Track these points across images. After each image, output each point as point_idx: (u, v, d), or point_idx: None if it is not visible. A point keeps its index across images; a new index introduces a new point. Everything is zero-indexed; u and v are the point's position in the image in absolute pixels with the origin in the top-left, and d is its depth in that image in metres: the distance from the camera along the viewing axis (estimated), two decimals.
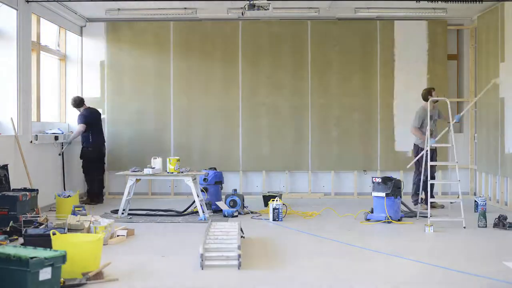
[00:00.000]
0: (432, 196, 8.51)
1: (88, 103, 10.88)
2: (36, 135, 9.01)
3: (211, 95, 11.05)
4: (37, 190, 7.81)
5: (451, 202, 8.88)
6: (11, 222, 6.85)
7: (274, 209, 8.29)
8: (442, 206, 9.44)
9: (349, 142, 11.01)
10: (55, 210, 8.77)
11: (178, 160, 8.56)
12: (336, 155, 11.00)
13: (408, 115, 10.95)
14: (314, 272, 5.32)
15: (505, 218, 7.58)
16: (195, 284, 5.00)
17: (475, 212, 8.86)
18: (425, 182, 8.54)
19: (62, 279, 4.60)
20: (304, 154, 11.01)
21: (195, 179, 8.59)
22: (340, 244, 6.68)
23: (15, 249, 4.47)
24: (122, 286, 4.88)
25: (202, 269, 5.38)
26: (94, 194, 10.23)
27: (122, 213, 8.46)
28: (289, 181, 11.10)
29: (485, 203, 8.17)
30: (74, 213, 7.09)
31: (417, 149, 9.33)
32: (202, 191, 9.28)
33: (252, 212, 8.97)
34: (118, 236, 6.85)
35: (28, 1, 8.78)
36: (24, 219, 7.01)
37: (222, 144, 11.05)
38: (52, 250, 4.55)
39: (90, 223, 6.62)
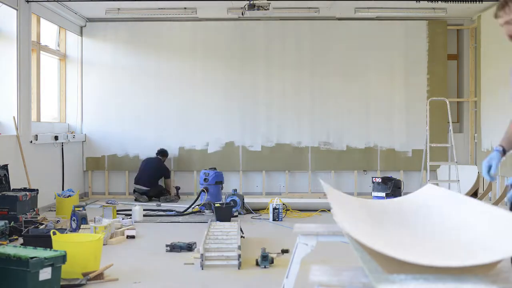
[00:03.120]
0: None
1: (89, 104, 10.96)
2: (36, 135, 9.02)
3: (211, 96, 11.04)
4: (37, 190, 7.82)
5: None
6: (12, 222, 6.85)
7: (274, 209, 8.30)
8: None
9: (349, 142, 11.01)
10: (55, 210, 8.77)
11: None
12: (336, 155, 11.00)
13: (409, 115, 10.99)
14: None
15: None
16: (195, 284, 5.00)
17: None
18: None
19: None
20: (304, 154, 11.01)
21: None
22: (340, 243, 6.66)
23: (15, 249, 4.47)
24: (122, 286, 4.88)
25: (202, 269, 5.39)
26: None
27: None
28: (289, 181, 11.10)
29: None
30: (74, 213, 7.09)
31: None
32: (202, 191, 9.29)
33: (252, 212, 8.98)
34: (127, 236, 6.88)
35: (28, 1, 8.78)
36: (24, 219, 7.01)
37: (222, 144, 11.04)
38: (52, 250, 4.55)
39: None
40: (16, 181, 8.12)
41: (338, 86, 11.04)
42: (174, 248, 6.16)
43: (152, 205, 9.80)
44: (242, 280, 5.09)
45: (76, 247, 5.00)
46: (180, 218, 8.54)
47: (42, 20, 9.74)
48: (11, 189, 7.77)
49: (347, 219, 2.85)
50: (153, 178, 10.49)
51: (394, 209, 3.38)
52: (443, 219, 2.99)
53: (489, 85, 10.06)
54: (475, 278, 2.18)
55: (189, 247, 6.15)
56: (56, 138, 9.63)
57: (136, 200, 10.30)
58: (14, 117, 8.40)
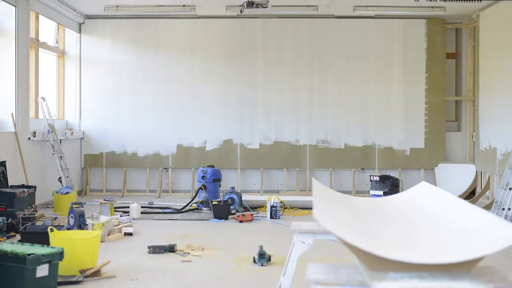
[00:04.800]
0: None
1: (87, 101, 10.96)
2: (34, 132, 9.01)
3: (210, 93, 11.04)
4: (35, 187, 7.81)
5: None
6: (10, 219, 6.84)
7: (271, 207, 8.30)
8: None
9: (347, 141, 11.00)
10: (53, 207, 8.77)
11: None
12: (334, 153, 11.00)
13: (407, 114, 10.99)
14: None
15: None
16: (193, 282, 5.01)
17: None
18: None
19: None
20: (302, 152, 11.01)
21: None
22: (334, 243, 6.67)
23: (12, 245, 4.47)
24: (119, 283, 4.88)
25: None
26: None
27: None
28: (287, 179, 11.10)
29: None
30: (72, 210, 7.09)
31: None
32: (200, 188, 9.28)
33: (250, 209, 8.98)
34: (125, 233, 6.88)
35: None
36: (21, 215, 7.01)
37: (220, 141, 11.04)
38: (50, 247, 4.55)
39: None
40: (14, 178, 8.12)
41: (336, 84, 11.03)
42: (156, 249, 6.01)
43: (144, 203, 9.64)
44: (239, 278, 5.10)
45: (74, 244, 5.00)
46: (178, 216, 8.53)
47: (40, 17, 9.73)
48: (9, 185, 7.76)
49: (330, 216, 2.86)
50: None
51: (384, 207, 3.39)
52: (431, 217, 3.01)
53: (487, 84, 10.07)
54: (471, 277, 2.18)
55: (171, 249, 6.04)
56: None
57: None
58: (12, 113, 8.39)
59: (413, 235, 2.74)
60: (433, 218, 2.99)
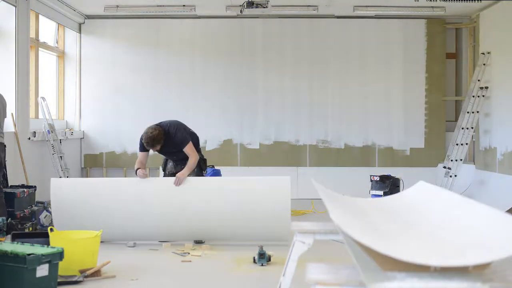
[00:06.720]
0: None
1: (87, 101, 10.97)
2: (34, 132, 9.01)
3: (209, 92, 11.04)
4: (35, 187, 7.81)
5: None
6: (10, 218, 6.84)
7: None
8: None
9: (347, 140, 11.00)
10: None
11: None
12: (334, 153, 10.99)
13: (407, 114, 10.98)
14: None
15: None
16: (192, 281, 5.01)
17: None
18: None
19: None
20: (302, 152, 11.01)
21: None
22: (336, 242, 6.67)
23: (12, 245, 4.47)
24: (119, 283, 4.88)
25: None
26: None
27: None
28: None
29: None
30: None
31: None
32: None
33: None
34: None
35: None
36: (21, 215, 7.01)
37: (220, 141, 11.03)
38: (50, 247, 4.55)
39: None
40: (14, 178, 8.11)
41: (336, 84, 11.03)
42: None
43: None
44: (239, 278, 5.10)
45: (74, 244, 5.00)
46: None
47: (40, 17, 9.72)
48: (9, 185, 7.76)
49: (342, 217, 2.86)
50: None
51: (389, 207, 3.38)
52: (435, 217, 3.00)
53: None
54: (470, 277, 2.18)
55: None
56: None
57: None
58: (12, 114, 8.39)
59: (430, 237, 2.71)
60: (444, 219, 2.96)
